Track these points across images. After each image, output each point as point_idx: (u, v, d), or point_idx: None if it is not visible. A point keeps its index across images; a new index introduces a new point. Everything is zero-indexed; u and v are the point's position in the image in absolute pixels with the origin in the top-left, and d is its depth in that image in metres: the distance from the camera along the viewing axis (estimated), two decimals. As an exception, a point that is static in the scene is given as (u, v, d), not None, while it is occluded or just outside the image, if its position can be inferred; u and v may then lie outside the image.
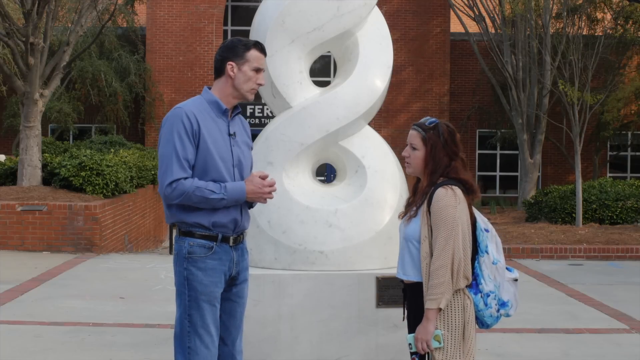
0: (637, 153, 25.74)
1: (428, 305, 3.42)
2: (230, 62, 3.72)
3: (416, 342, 3.46)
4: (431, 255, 3.46)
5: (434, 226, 3.46)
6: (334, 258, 5.19)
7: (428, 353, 3.48)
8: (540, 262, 11.80)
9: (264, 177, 3.74)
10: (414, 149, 3.61)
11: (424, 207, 3.52)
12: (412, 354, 3.53)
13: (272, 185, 3.75)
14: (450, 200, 3.45)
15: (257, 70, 3.75)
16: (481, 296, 3.52)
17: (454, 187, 3.49)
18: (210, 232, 3.67)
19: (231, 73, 3.72)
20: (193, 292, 3.65)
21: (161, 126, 3.73)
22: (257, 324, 5.08)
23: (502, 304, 3.58)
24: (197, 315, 3.65)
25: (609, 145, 25.02)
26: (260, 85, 3.80)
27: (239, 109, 3.85)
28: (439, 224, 3.44)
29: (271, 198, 3.79)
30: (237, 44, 3.75)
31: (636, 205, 14.52)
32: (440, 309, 3.43)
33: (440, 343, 3.43)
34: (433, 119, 3.62)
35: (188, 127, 3.62)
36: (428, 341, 3.43)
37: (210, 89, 3.81)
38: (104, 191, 12.78)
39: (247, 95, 3.78)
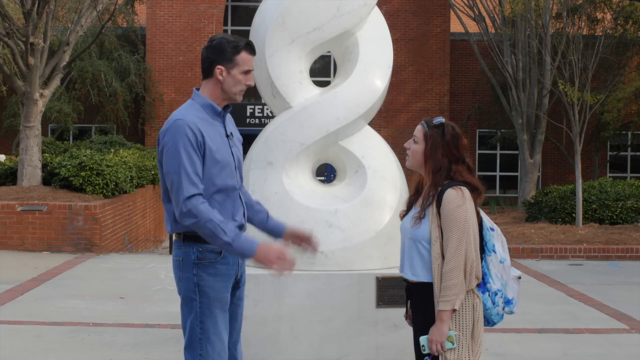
0: (637, 153, 25.73)
1: (442, 307, 3.42)
2: (219, 66, 3.60)
3: (430, 344, 3.46)
4: (442, 256, 3.46)
5: (444, 227, 3.46)
6: (334, 258, 5.19)
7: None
8: (540, 262, 11.80)
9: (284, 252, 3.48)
10: (415, 142, 3.63)
11: (433, 208, 3.51)
12: (425, 355, 3.51)
13: (285, 259, 3.48)
14: (460, 201, 3.46)
15: (247, 72, 3.65)
16: (489, 295, 3.54)
17: (462, 187, 3.50)
18: None
19: (220, 77, 3.61)
20: (205, 299, 3.56)
21: (162, 139, 3.56)
22: (257, 324, 5.08)
23: (507, 302, 3.61)
24: (210, 322, 3.57)
25: (609, 145, 25.02)
26: (249, 85, 3.70)
27: (230, 107, 3.75)
28: (451, 226, 3.44)
29: (280, 273, 3.52)
30: (226, 47, 3.60)
31: (636, 205, 14.51)
32: (454, 310, 3.43)
33: (453, 344, 3.43)
34: (441, 119, 3.63)
35: (192, 139, 3.49)
36: (442, 343, 3.43)
37: (199, 89, 3.71)
38: (104, 191, 12.78)
39: (236, 97, 3.68)
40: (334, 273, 5.18)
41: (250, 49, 3.66)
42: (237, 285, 3.77)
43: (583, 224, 14.17)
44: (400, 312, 4.68)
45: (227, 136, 3.69)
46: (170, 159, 3.50)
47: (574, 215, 14.41)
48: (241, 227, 3.68)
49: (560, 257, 12.20)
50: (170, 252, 12.90)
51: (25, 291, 8.68)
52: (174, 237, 3.73)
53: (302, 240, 3.85)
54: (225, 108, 3.72)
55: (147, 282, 9.56)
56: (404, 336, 4.91)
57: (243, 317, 3.90)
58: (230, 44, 3.62)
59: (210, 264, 3.58)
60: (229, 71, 3.61)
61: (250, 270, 4.59)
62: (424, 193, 3.61)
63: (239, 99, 3.72)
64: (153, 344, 6.52)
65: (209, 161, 3.55)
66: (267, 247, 3.50)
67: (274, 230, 3.88)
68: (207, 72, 3.66)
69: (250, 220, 3.87)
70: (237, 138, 3.81)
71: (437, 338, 3.43)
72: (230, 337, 3.78)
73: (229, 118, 3.78)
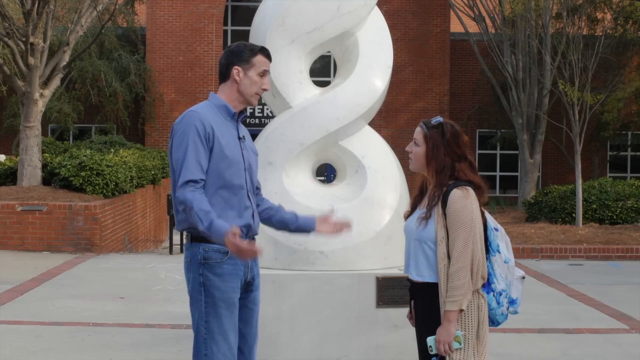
0: (637, 153, 25.73)
1: (449, 307, 3.41)
2: (237, 67, 3.70)
3: (438, 345, 3.45)
4: (448, 256, 3.45)
5: (450, 227, 3.45)
6: (334, 258, 5.19)
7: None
8: (540, 262, 11.80)
9: (236, 233, 3.37)
10: (416, 144, 3.62)
11: (439, 208, 3.50)
12: (432, 355, 3.51)
13: (242, 250, 3.36)
14: (466, 201, 3.45)
15: (263, 74, 3.73)
16: (493, 295, 3.54)
17: (467, 187, 3.50)
18: None
19: (237, 77, 3.70)
20: (210, 299, 3.59)
21: (174, 130, 3.65)
22: (257, 324, 5.08)
23: (512, 302, 3.61)
24: (215, 322, 3.59)
25: (609, 145, 25.03)
26: (265, 90, 3.77)
27: (245, 113, 3.82)
28: (458, 226, 3.43)
29: (246, 257, 3.45)
30: (243, 49, 3.73)
31: (636, 205, 14.51)
32: (461, 311, 3.43)
33: (460, 344, 3.43)
34: (440, 118, 3.62)
35: (201, 130, 3.57)
36: (450, 343, 3.42)
37: (215, 93, 3.79)
38: (104, 191, 12.78)
39: (252, 100, 3.75)
40: (334, 273, 5.18)
41: (266, 53, 3.77)
42: (250, 288, 3.76)
43: (583, 224, 14.17)
44: (400, 312, 4.69)
45: (239, 138, 3.73)
46: (177, 147, 3.60)
47: (574, 215, 14.41)
48: (249, 228, 3.69)
49: (560, 257, 12.20)
50: (171, 252, 12.92)
51: (25, 291, 8.68)
52: (184, 240, 3.75)
53: (334, 225, 3.92)
54: (240, 113, 3.78)
55: (147, 282, 9.55)
56: (404, 336, 4.91)
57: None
58: (247, 47, 3.76)
59: (216, 264, 3.60)
60: (246, 72, 3.71)
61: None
62: (428, 193, 3.60)
63: (255, 102, 3.79)
64: (153, 344, 6.52)
65: (218, 155, 3.61)
66: (227, 238, 3.38)
67: (306, 226, 3.92)
68: (225, 75, 3.75)
69: (277, 222, 3.91)
70: (252, 149, 3.85)
71: (444, 338, 3.43)
72: (246, 342, 3.78)
73: (244, 127, 3.84)
